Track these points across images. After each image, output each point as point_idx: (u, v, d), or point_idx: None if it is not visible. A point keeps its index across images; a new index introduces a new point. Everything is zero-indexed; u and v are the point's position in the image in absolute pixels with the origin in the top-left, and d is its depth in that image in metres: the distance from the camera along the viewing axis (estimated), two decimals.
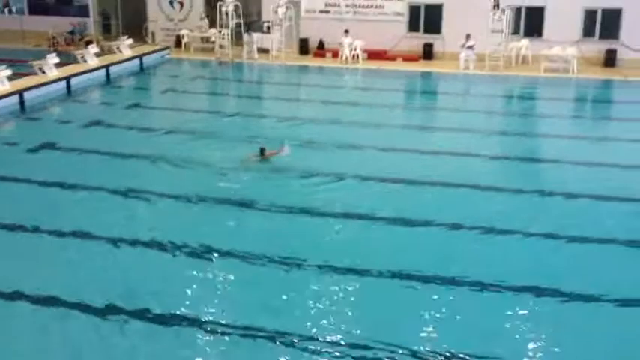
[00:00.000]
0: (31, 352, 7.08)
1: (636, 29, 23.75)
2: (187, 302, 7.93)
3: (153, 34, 28.16)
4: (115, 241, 9.46)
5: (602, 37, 24.50)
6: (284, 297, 8.13)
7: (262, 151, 13.15)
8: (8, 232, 9.89)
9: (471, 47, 23.85)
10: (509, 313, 7.78)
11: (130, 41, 25.43)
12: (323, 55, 26.41)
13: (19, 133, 15.99)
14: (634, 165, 13.40)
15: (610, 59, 24.12)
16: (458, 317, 7.71)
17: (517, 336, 7.39)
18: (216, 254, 9.16)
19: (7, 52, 24.13)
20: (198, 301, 7.95)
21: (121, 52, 24.44)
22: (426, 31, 26.22)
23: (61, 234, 9.76)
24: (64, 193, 11.52)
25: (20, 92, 18.20)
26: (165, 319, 7.55)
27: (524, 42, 24.75)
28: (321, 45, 26.91)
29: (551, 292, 8.18)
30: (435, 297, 8.14)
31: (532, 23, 25.05)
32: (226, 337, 7.27)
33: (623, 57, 24.10)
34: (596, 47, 24.51)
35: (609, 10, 24.22)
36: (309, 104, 19.63)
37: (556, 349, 7.15)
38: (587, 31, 24.61)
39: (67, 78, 20.30)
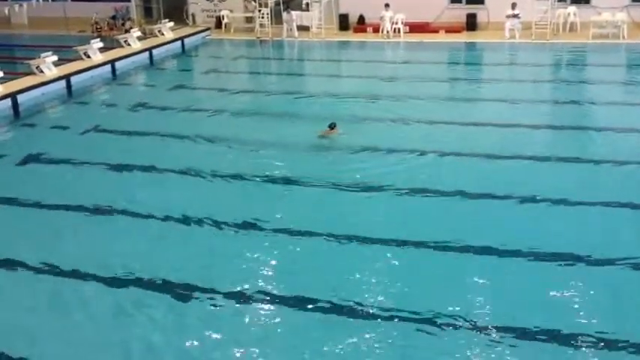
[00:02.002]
0: None
1: None
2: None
3: (193, 16, 28.18)
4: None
5: None
6: None
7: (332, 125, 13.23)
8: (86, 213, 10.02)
9: (516, 16, 23.27)
10: None
11: (171, 24, 25.51)
12: (364, 30, 26.08)
13: (69, 117, 16.13)
14: None
15: None
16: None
17: None
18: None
19: (52, 38, 24.44)
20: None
21: (162, 34, 24.54)
22: (469, 1, 25.66)
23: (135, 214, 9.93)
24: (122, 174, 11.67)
25: (67, 77, 18.40)
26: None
27: (572, 8, 24.04)
28: (361, 20, 26.58)
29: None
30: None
31: None
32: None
33: None
34: None
35: None
36: (353, 80, 19.39)
37: None
38: None
39: (112, 62, 20.46)
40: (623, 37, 22.39)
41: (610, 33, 22.78)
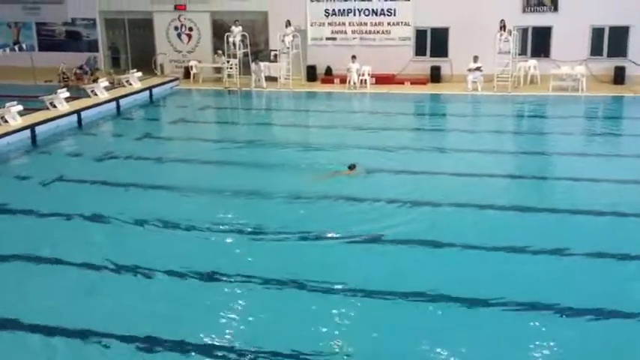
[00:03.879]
0: None
1: None
2: None
3: (162, 66, 28.39)
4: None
5: (610, 54, 24.52)
6: None
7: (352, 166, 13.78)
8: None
9: (478, 69, 23.88)
10: None
11: (140, 74, 25.65)
12: (331, 81, 26.50)
13: (31, 167, 16.00)
14: None
15: (619, 76, 24.10)
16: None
17: None
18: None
19: (19, 87, 24.29)
20: None
21: (130, 84, 24.63)
22: (433, 54, 26.31)
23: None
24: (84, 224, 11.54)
25: (32, 127, 18.30)
26: None
27: (532, 62, 24.77)
28: (328, 71, 27.02)
29: None
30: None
31: (539, 43, 25.13)
32: None
33: (632, 74, 24.06)
34: (605, 65, 24.53)
35: (617, 28, 24.26)
36: (321, 130, 19.60)
37: None
38: (595, 50, 24.64)
39: (78, 112, 20.42)
40: (582, 90, 23.07)
41: (569, 86, 23.46)
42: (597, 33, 24.57)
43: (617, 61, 24.37)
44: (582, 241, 10.11)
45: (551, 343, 7.43)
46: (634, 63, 24.10)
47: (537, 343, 7.46)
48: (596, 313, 8.02)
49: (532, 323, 7.87)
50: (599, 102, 22.34)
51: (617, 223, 11.09)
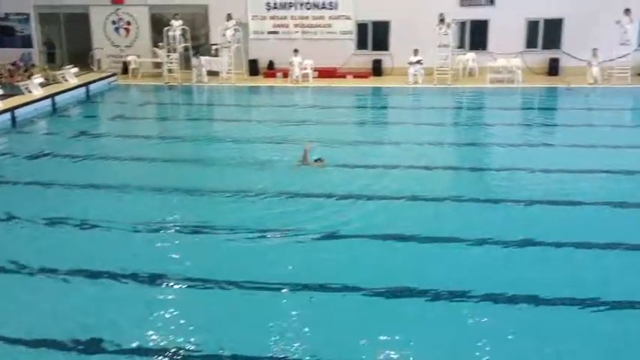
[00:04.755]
0: None
1: (577, 37, 24.39)
2: None
3: (99, 62, 27.81)
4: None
5: (545, 47, 25.12)
6: None
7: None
8: None
9: (419, 62, 24.13)
10: None
11: (76, 70, 25.05)
12: (273, 75, 26.39)
13: None
14: None
15: (554, 68, 24.71)
16: None
17: None
18: None
19: None
20: None
21: (66, 80, 24.04)
22: (375, 48, 26.48)
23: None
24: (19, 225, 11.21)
25: None
26: None
27: (470, 55, 25.17)
28: (270, 65, 26.91)
29: None
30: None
31: (477, 36, 25.56)
32: None
33: (565, 65, 24.69)
34: (540, 57, 25.12)
35: (551, 20, 24.87)
36: (263, 124, 19.43)
37: None
38: (531, 42, 25.22)
39: (11, 110, 19.78)
40: (518, 82, 23.57)
41: (506, 78, 23.93)
42: (532, 26, 25.15)
43: (552, 53, 25.00)
44: (519, 229, 10.35)
45: (487, 329, 7.61)
46: (568, 55, 24.72)
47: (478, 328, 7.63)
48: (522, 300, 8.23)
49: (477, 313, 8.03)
50: (534, 93, 22.86)
51: (546, 212, 11.33)
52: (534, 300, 8.20)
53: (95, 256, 9.76)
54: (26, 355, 7.36)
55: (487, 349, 7.22)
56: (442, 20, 23.97)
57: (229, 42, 25.57)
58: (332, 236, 10.34)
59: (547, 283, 8.60)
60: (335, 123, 19.04)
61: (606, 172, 13.38)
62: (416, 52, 24.15)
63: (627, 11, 22.55)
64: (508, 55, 24.53)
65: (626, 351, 7.27)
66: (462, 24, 25.53)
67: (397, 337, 7.45)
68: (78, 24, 28.42)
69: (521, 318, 7.93)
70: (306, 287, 8.68)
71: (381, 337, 7.46)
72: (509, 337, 7.48)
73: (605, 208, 11.45)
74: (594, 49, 23.01)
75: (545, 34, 25.06)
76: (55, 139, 18.22)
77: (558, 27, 24.90)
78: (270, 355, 7.20)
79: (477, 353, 7.15)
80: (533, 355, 7.15)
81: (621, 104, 21.58)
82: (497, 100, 22.15)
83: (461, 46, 25.55)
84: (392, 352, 7.18)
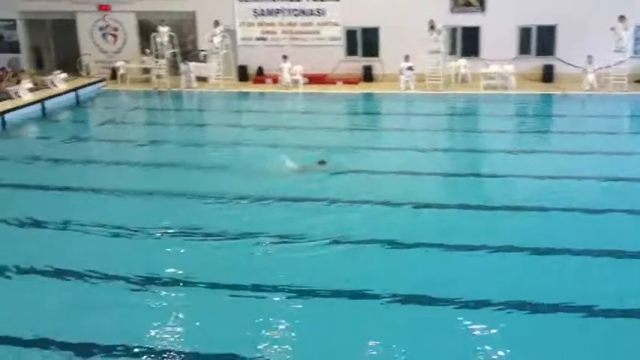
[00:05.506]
0: None
1: (571, 44, 24.48)
2: None
3: (87, 67, 27.54)
4: None
5: (538, 53, 25.18)
6: None
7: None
8: None
9: (410, 68, 24.09)
10: None
11: (64, 75, 24.81)
12: (262, 81, 26.23)
13: None
14: None
15: (547, 74, 24.75)
16: None
17: None
18: None
19: None
20: None
21: (55, 86, 23.78)
22: (365, 54, 26.42)
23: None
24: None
25: None
26: None
27: (462, 61, 25.17)
28: (260, 71, 26.76)
29: None
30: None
31: (469, 43, 25.55)
32: None
33: (560, 72, 24.76)
34: (534, 64, 25.15)
35: (544, 27, 24.92)
36: (252, 130, 19.24)
37: None
38: (524, 48, 25.25)
39: (1, 114, 19.52)
40: (512, 88, 23.61)
41: (499, 84, 23.96)
42: (525, 32, 25.16)
43: (546, 60, 25.01)
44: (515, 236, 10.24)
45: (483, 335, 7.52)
46: (562, 61, 24.80)
47: (481, 336, 7.50)
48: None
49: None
50: (527, 100, 22.82)
51: (541, 218, 11.23)
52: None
53: (80, 259, 9.59)
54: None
55: None
56: (432, 27, 23.96)
57: (217, 48, 25.40)
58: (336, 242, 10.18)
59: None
60: (329, 128, 18.88)
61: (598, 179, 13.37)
62: (407, 58, 24.09)
63: (622, 18, 22.62)
64: (501, 61, 24.53)
65: None
66: (453, 30, 25.53)
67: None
68: (65, 30, 28.11)
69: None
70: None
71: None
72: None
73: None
74: (589, 56, 23.05)
75: (539, 40, 25.07)
76: (45, 144, 17.96)
77: (552, 33, 24.93)
78: None
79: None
80: None
81: (619, 111, 21.50)
82: (489, 107, 22.09)
83: (453, 52, 25.55)
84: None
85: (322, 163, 14.00)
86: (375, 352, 7.20)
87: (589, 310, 7.97)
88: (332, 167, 13.90)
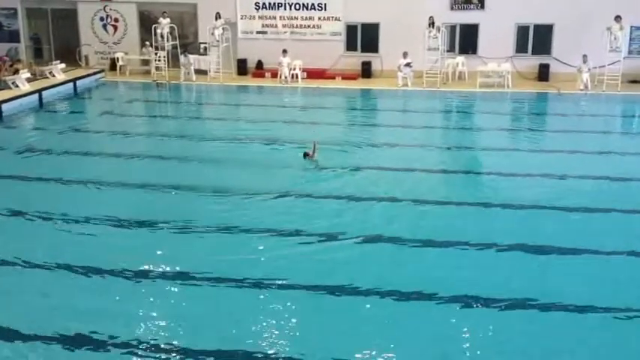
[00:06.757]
0: None
1: (567, 43, 24.50)
2: None
3: (86, 58, 27.57)
4: None
5: (535, 52, 25.20)
6: None
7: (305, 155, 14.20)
8: None
9: (408, 65, 24.11)
10: None
11: (63, 65, 24.86)
12: (262, 75, 26.26)
13: None
14: None
15: (544, 73, 24.77)
16: None
17: None
18: None
19: None
20: None
21: (54, 76, 23.83)
22: (364, 49, 26.44)
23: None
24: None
25: None
26: None
27: (460, 59, 25.21)
28: (259, 65, 26.79)
29: None
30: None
31: (467, 40, 25.58)
32: None
33: (556, 71, 24.77)
34: (530, 62, 25.17)
35: (541, 26, 24.93)
36: (250, 124, 19.33)
37: None
38: (521, 47, 25.27)
39: None
40: (508, 86, 23.66)
41: (496, 82, 23.99)
42: (522, 31, 25.18)
43: (542, 59, 25.04)
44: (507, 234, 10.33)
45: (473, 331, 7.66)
46: (558, 60, 24.82)
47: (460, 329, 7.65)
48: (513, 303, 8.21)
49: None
50: (523, 98, 22.85)
51: (536, 216, 11.31)
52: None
53: (81, 251, 9.69)
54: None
55: None
56: (432, 24, 23.99)
57: (218, 41, 25.43)
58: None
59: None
60: (327, 123, 18.95)
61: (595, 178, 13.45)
62: (405, 54, 24.13)
63: (618, 18, 22.64)
64: (498, 59, 24.56)
65: None
66: (452, 28, 25.54)
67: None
68: (66, 20, 28.14)
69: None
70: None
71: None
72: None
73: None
74: (584, 56, 23.08)
75: (536, 39, 25.10)
76: (41, 134, 18.06)
77: (549, 32, 24.95)
78: None
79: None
80: None
81: (611, 111, 21.56)
82: (486, 104, 22.13)
83: (451, 49, 25.57)
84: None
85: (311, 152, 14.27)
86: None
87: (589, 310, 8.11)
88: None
